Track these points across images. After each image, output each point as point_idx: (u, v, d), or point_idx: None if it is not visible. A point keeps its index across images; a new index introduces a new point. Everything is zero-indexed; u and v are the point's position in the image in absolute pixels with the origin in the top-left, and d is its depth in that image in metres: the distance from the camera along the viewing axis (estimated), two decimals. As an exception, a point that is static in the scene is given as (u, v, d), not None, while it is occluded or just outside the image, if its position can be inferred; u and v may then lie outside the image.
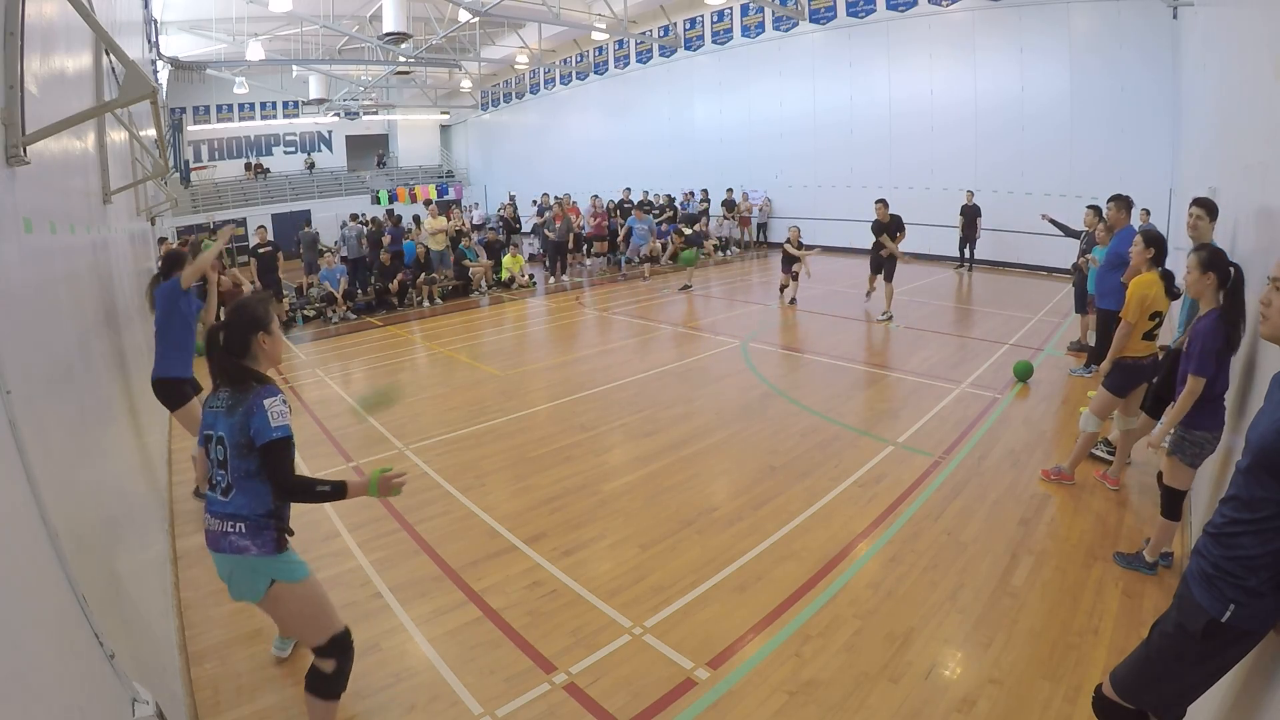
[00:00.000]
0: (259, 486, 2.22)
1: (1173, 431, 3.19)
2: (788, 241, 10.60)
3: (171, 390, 4.26)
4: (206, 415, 2.31)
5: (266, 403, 2.18)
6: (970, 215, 12.83)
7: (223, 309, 10.36)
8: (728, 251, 17.00)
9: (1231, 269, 2.95)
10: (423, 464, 5.19)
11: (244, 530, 2.20)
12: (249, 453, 2.18)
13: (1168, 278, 3.98)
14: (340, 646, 2.38)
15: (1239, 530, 1.63)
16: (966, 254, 13.15)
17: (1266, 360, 2.61)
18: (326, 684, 2.37)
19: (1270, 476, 1.57)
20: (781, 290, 11.00)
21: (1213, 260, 2.98)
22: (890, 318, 9.27)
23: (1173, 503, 3.33)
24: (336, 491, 2.25)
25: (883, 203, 9.67)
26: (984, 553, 3.69)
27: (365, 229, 13.48)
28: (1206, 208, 3.80)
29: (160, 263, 4.05)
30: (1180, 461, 3.15)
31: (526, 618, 3.28)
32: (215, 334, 2.34)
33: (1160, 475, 3.41)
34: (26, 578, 1.40)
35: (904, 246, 9.66)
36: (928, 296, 10.95)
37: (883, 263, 9.43)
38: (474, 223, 17.82)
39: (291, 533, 2.35)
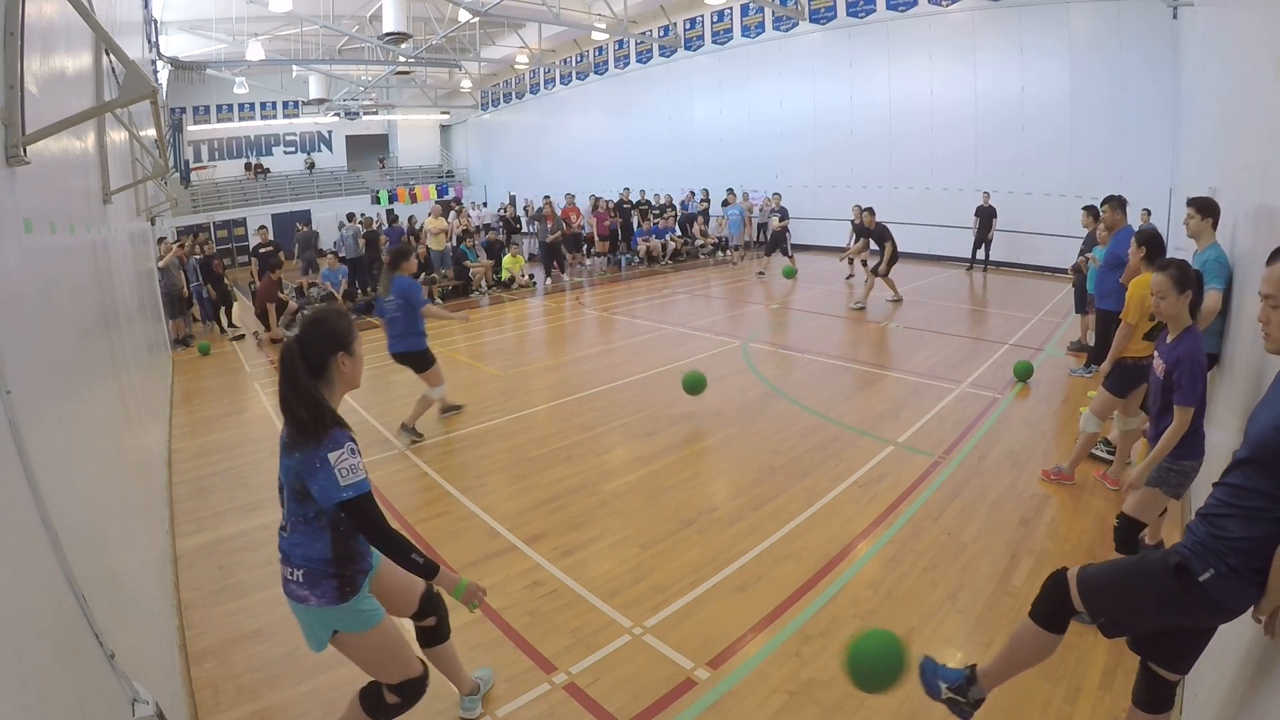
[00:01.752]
0: (317, 533, 2.02)
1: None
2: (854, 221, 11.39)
3: (421, 358, 5.53)
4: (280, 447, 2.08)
5: (332, 458, 1.89)
6: (986, 216, 12.76)
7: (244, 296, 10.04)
8: (727, 252, 17.00)
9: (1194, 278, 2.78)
10: (423, 464, 5.19)
11: (301, 579, 2.03)
12: (305, 499, 1.98)
13: None
14: (410, 691, 2.28)
15: (1227, 513, 1.71)
16: (980, 255, 13.08)
17: (1269, 363, 2.60)
18: (381, 709, 2.30)
19: (1264, 471, 1.64)
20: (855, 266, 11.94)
21: (1184, 277, 2.73)
22: (862, 307, 10.04)
23: (1130, 535, 3.07)
24: (426, 569, 2.06)
25: (869, 210, 10.55)
26: (984, 553, 3.69)
27: (362, 229, 13.48)
28: (1198, 207, 3.75)
29: (390, 255, 5.46)
30: (1163, 493, 2.91)
31: (526, 618, 3.28)
32: (289, 351, 1.98)
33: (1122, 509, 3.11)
34: (26, 578, 1.40)
35: (903, 246, 10.34)
36: (928, 296, 10.94)
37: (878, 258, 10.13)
38: (475, 224, 17.82)
39: (365, 572, 2.15)
